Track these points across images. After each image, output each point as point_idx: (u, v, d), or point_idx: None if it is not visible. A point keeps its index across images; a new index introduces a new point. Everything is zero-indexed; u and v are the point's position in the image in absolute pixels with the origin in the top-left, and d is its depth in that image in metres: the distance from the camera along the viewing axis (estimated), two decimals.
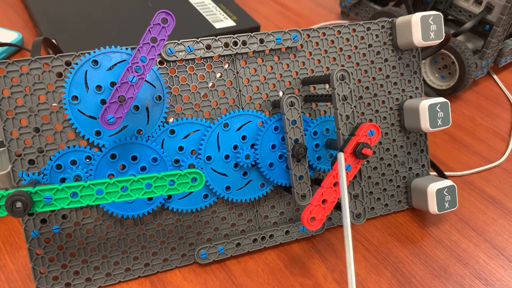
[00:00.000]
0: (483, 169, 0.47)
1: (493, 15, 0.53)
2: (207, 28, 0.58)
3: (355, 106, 0.33)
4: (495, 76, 0.60)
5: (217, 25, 0.58)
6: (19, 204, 0.26)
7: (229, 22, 0.59)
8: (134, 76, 0.30)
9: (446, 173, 0.46)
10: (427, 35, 0.38)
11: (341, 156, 0.31)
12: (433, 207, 0.39)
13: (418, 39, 0.38)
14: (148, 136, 0.34)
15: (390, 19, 0.40)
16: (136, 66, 0.30)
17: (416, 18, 0.38)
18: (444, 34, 0.39)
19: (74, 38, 0.54)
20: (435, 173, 0.44)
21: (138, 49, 0.30)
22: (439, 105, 0.38)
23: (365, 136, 0.32)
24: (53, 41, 0.49)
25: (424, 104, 0.38)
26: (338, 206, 0.35)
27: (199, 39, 0.35)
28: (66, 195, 0.28)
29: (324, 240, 0.40)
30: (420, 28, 0.38)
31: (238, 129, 0.36)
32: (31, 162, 0.33)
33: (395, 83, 0.41)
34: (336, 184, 0.32)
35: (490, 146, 0.50)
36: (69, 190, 0.28)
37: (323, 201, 0.32)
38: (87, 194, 0.28)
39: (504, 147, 0.50)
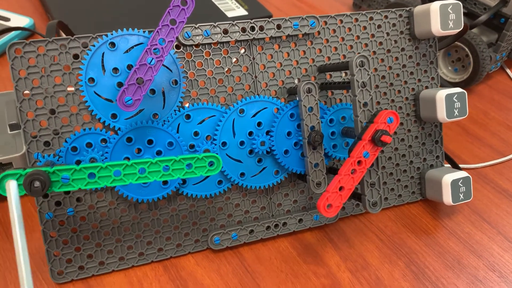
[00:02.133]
0: (496, 162, 0.47)
1: (509, 8, 0.52)
2: (219, 16, 0.57)
3: (373, 94, 0.33)
4: (508, 70, 0.59)
5: (229, 14, 0.58)
6: (37, 184, 0.26)
7: (241, 11, 0.59)
8: (152, 58, 0.30)
9: (460, 166, 0.46)
10: (446, 24, 0.38)
11: None
12: (447, 198, 0.39)
13: (436, 28, 0.37)
14: (164, 121, 0.34)
15: (408, 8, 0.40)
16: (155, 49, 0.30)
17: (435, 6, 0.37)
18: (463, 23, 0.38)
19: (86, 23, 0.53)
20: (449, 165, 0.44)
21: (157, 31, 0.30)
22: (456, 95, 0.38)
23: (384, 123, 0.32)
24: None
25: (441, 94, 0.38)
26: (353, 195, 0.35)
27: (217, 23, 0.35)
28: (84, 176, 0.28)
29: (337, 229, 0.40)
30: (439, 16, 0.37)
31: (254, 116, 0.36)
32: (47, 144, 0.32)
33: (411, 73, 0.41)
34: (354, 171, 0.32)
35: (503, 140, 0.50)
36: (87, 171, 0.28)
37: (340, 188, 0.32)
38: (104, 176, 0.28)
39: None
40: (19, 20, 0.55)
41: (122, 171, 0.28)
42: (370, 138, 0.31)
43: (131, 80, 0.30)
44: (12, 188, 0.25)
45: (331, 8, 0.69)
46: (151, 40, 0.30)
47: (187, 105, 0.35)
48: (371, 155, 0.32)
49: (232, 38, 0.35)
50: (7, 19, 0.55)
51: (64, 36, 0.33)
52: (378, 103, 0.40)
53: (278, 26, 0.36)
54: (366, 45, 0.39)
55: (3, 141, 0.38)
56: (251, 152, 0.36)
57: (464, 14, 0.59)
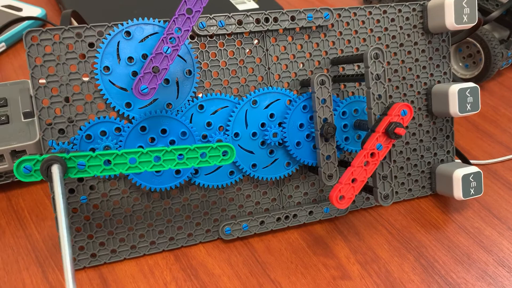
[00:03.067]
0: (506, 158, 0.47)
1: None
2: (229, 9, 0.57)
3: (387, 86, 0.33)
4: None
5: (240, 7, 0.58)
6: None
7: (251, 5, 0.59)
8: (168, 47, 0.30)
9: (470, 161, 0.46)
10: (460, 18, 0.37)
11: None
12: (458, 192, 0.39)
13: (451, 22, 0.37)
14: (178, 110, 0.34)
15: (421, 2, 0.40)
16: (171, 38, 0.30)
17: (450, 0, 0.37)
18: (477, 18, 0.38)
19: (98, 13, 0.53)
20: (459, 160, 0.44)
21: (174, 20, 0.30)
22: (469, 90, 0.38)
23: (398, 116, 0.32)
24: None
25: (454, 88, 0.38)
26: (365, 188, 0.35)
27: (231, 14, 0.35)
28: (100, 163, 0.28)
29: (347, 222, 0.40)
30: (453, 10, 0.37)
31: (266, 107, 0.36)
32: (61, 131, 0.33)
33: (424, 67, 0.41)
34: (366, 163, 0.32)
35: None
36: (103, 158, 0.28)
37: (353, 180, 0.32)
38: (120, 163, 0.28)
39: None
40: (31, 10, 0.55)
41: (137, 159, 0.28)
42: (383, 130, 0.31)
43: (147, 68, 0.30)
44: (55, 172, 0.26)
45: (341, 3, 0.69)
46: (167, 29, 0.30)
47: (200, 95, 0.35)
48: (384, 148, 0.32)
49: (246, 29, 0.35)
50: (19, 9, 0.56)
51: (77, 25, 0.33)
52: (391, 96, 0.40)
53: (292, 18, 0.36)
54: (379, 38, 0.39)
55: (17, 128, 0.38)
56: (263, 143, 0.36)
57: None
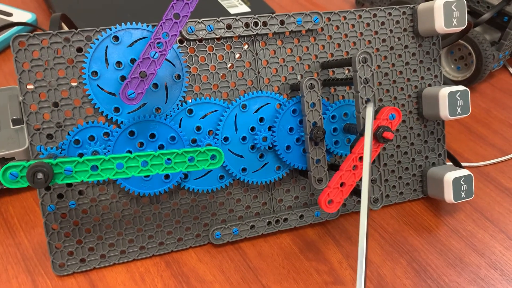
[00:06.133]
0: (498, 160, 0.47)
1: None
2: (221, 13, 0.57)
3: (375, 90, 0.33)
4: (511, 69, 0.59)
5: (232, 11, 0.58)
6: (40, 175, 0.26)
7: (243, 8, 0.59)
8: (156, 52, 0.30)
9: (462, 164, 0.45)
10: (450, 21, 0.37)
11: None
12: (449, 195, 0.39)
13: (440, 25, 0.37)
14: (167, 115, 0.34)
15: (411, 5, 0.40)
16: (158, 42, 0.30)
17: (439, 3, 0.37)
18: (467, 21, 0.38)
19: (89, 17, 0.53)
20: (451, 163, 0.44)
21: (161, 25, 0.30)
22: (459, 93, 0.38)
23: (386, 120, 0.32)
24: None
25: (444, 91, 0.38)
26: (355, 191, 0.35)
27: (220, 18, 0.35)
28: (87, 168, 0.28)
29: (339, 226, 0.40)
30: (443, 14, 0.37)
31: (256, 111, 0.36)
32: (50, 136, 0.32)
33: (415, 70, 0.41)
34: (355, 167, 0.32)
35: (505, 138, 0.50)
36: (90, 163, 0.28)
37: (341, 184, 0.32)
38: (107, 168, 0.28)
39: None
40: (21, 15, 0.55)
41: (124, 164, 0.28)
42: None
43: (134, 73, 0.30)
44: None
45: (333, 6, 0.69)
46: (155, 34, 0.30)
47: (189, 99, 0.35)
48: (373, 152, 0.32)
49: (235, 33, 0.35)
50: (10, 14, 0.55)
51: (67, 29, 0.33)
52: (381, 100, 0.40)
53: (282, 22, 0.36)
54: (370, 42, 0.39)
55: (5, 136, 0.38)
56: (253, 147, 0.36)
57: (467, 12, 0.59)
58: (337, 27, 0.38)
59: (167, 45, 0.30)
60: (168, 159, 0.29)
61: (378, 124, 0.32)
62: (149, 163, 0.28)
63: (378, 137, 0.31)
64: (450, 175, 0.39)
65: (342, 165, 0.32)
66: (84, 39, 0.32)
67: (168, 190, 0.34)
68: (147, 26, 0.33)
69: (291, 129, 0.36)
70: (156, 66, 0.30)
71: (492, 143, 0.49)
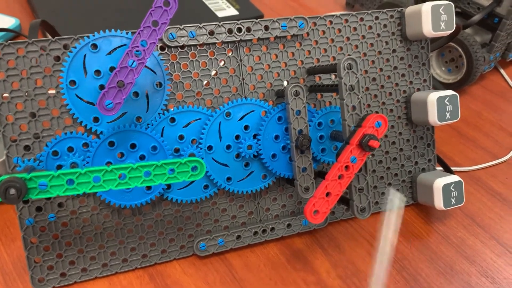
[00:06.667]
0: (490, 164, 0.46)
1: (503, 8, 0.51)
2: (209, 16, 0.56)
3: (361, 97, 0.32)
4: (502, 71, 0.59)
5: (220, 14, 0.57)
6: (12, 191, 0.25)
7: (231, 11, 0.58)
8: (134, 61, 0.29)
9: (452, 169, 0.45)
10: (438, 25, 0.37)
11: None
12: (439, 202, 0.38)
13: (428, 29, 0.37)
14: (148, 124, 0.33)
15: (399, 9, 0.39)
16: (136, 51, 0.29)
17: (426, 7, 0.36)
18: (455, 25, 0.37)
19: (73, 23, 0.52)
20: (441, 168, 0.43)
21: (139, 33, 0.29)
22: (448, 98, 0.37)
23: (372, 128, 0.31)
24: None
25: (433, 96, 0.37)
26: (342, 200, 0.34)
27: (202, 24, 0.34)
28: (62, 182, 0.27)
29: (327, 234, 0.39)
30: (430, 17, 0.36)
31: (241, 119, 0.35)
32: (27, 148, 0.32)
33: (403, 75, 0.40)
34: (341, 176, 0.31)
35: (496, 142, 0.49)
36: (65, 177, 0.27)
37: (327, 194, 0.31)
38: (83, 182, 0.27)
39: (510, 143, 0.49)
40: (5, 21, 0.54)
41: (101, 177, 0.27)
42: (357, 142, 0.31)
43: (112, 83, 0.29)
44: None
45: (323, 8, 0.68)
46: (132, 42, 0.29)
47: (172, 108, 0.34)
48: (359, 160, 0.31)
49: (218, 40, 0.34)
50: None
51: (49, 37, 0.32)
52: (369, 105, 0.39)
53: (266, 27, 0.35)
54: (357, 46, 0.38)
55: None
56: (238, 156, 0.35)
57: (458, 13, 0.58)
58: (323, 32, 0.37)
59: (146, 53, 0.29)
60: (147, 172, 0.28)
61: (363, 132, 0.31)
62: (128, 176, 0.28)
63: (363, 145, 0.30)
64: (440, 182, 0.38)
65: (328, 175, 0.31)
66: (61, 48, 0.32)
67: (150, 201, 0.33)
68: (127, 33, 0.32)
69: (276, 137, 0.35)
70: (135, 75, 0.29)
71: (483, 146, 0.49)
